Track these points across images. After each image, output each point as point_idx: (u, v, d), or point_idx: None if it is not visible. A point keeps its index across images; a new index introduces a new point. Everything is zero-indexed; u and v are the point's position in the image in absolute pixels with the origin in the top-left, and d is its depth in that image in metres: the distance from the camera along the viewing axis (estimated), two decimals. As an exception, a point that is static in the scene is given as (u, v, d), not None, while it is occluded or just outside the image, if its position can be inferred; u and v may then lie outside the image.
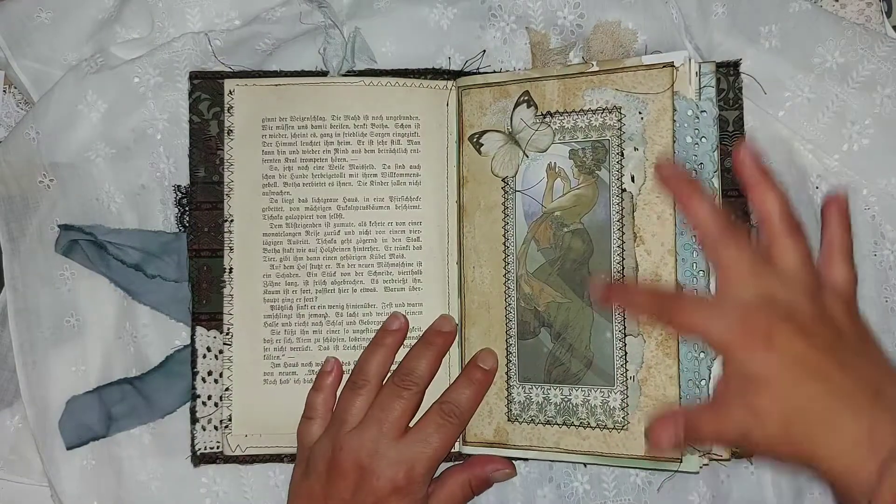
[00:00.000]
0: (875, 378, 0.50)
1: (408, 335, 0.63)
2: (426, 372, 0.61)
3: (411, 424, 0.60)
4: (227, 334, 0.63)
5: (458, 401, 0.61)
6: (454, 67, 0.66)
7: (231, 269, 0.64)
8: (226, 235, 0.64)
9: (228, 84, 0.64)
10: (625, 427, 0.59)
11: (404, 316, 0.63)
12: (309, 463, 0.60)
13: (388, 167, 0.64)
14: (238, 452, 0.63)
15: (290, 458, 0.63)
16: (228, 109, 0.64)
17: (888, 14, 0.66)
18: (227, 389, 0.63)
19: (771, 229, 0.52)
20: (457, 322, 0.64)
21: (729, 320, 0.50)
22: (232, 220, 0.64)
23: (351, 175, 0.64)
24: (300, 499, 0.60)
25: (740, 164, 0.53)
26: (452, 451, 0.62)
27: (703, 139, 0.58)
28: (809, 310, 0.51)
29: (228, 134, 0.64)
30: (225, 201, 0.64)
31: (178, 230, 0.65)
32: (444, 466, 0.62)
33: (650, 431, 0.52)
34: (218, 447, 0.64)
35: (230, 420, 0.63)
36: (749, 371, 0.50)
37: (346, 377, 0.63)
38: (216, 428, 0.63)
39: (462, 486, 0.61)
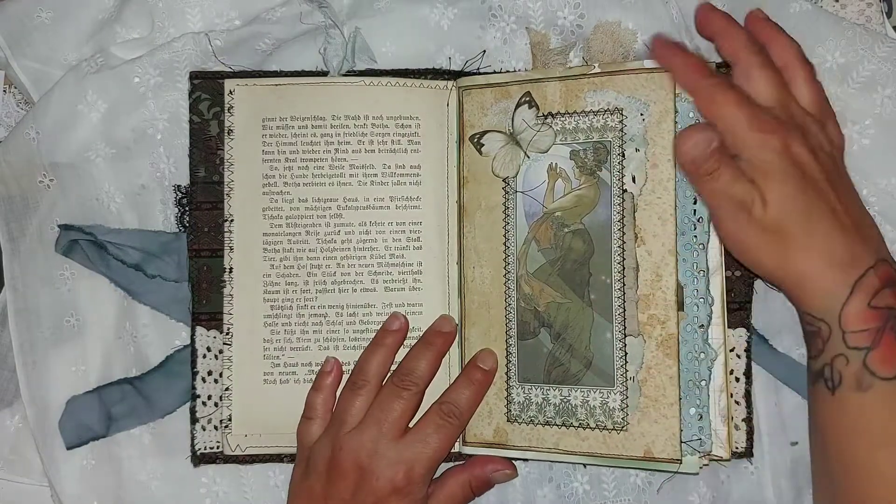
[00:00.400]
0: (859, 210, 0.57)
1: (408, 335, 0.63)
2: (426, 372, 0.61)
3: (411, 425, 0.60)
4: (227, 334, 0.63)
5: (457, 401, 0.61)
6: (454, 67, 0.66)
7: (231, 268, 0.64)
8: (226, 235, 0.64)
9: (229, 84, 0.64)
10: (624, 428, 0.59)
11: (404, 316, 0.63)
12: (309, 463, 0.60)
13: (389, 167, 0.64)
14: (238, 452, 0.63)
15: (290, 458, 0.63)
16: (229, 109, 0.64)
17: (888, 14, 0.66)
18: (227, 389, 0.63)
19: (745, 64, 0.57)
20: (457, 322, 0.64)
21: (755, 116, 0.55)
22: (232, 220, 0.64)
23: (351, 175, 0.64)
24: (300, 499, 0.60)
25: (704, 21, 0.60)
26: (452, 451, 0.62)
27: None
28: (816, 132, 0.57)
29: (229, 134, 0.64)
30: (225, 201, 0.64)
31: (178, 230, 0.65)
32: (444, 467, 0.62)
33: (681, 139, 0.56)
34: (218, 447, 0.64)
35: (230, 420, 0.63)
36: (761, 159, 0.54)
37: (346, 377, 0.63)
38: (216, 428, 0.63)
39: (462, 487, 0.62)
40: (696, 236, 0.58)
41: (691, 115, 0.58)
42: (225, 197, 0.64)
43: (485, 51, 0.66)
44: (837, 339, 0.54)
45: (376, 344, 0.63)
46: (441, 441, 0.59)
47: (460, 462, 0.63)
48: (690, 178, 0.57)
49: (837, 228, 0.54)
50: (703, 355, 0.58)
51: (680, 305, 0.58)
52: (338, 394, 0.62)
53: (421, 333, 0.63)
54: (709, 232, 0.59)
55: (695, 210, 0.59)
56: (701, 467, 0.59)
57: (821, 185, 0.55)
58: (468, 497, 0.62)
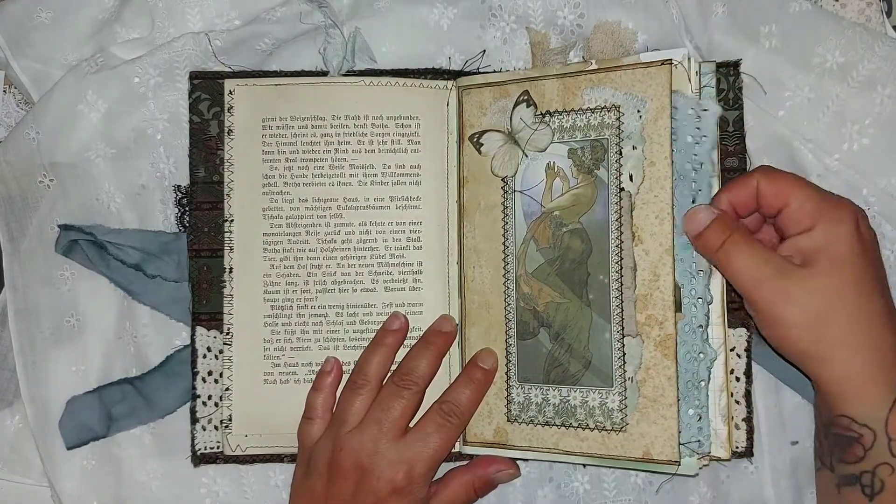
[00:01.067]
0: (892, 316, 0.54)
1: (408, 335, 0.63)
2: (426, 372, 0.61)
3: (412, 424, 0.60)
4: (227, 334, 0.63)
5: (457, 400, 0.61)
6: (454, 67, 0.66)
7: (231, 268, 0.64)
8: (226, 235, 0.64)
9: (229, 84, 0.64)
10: (623, 429, 0.59)
11: (404, 316, 0.63)
12: (310, 463, 0.60)
13: (389, 167, 0.64)
14: (238, 452, 0.63)
15: (291, 458, 0.63)
16: (229, 109, 0.64)
17: (888, 14, 0.66)
18: (227, 389, 0.63)
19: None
20: (457, 322, 0.64)
21: (823, 191, 0.55)
22: (232, 220, 0.64)
23: (351, 175, 0.64)
24: (301, 499, 0.60)
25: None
26: (453, 451, 0.62)
27: (704, 138, 0.58)
28: (866, 229, 0.55)
29: (228, 134, 0.64)
30: (225, 201, 0.64)
31: (178, 230, 0.65)
32: (446, 467, 0.62)
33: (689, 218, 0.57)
34: (218, 447, 0.64)
35: (230, 420, 0.63)
36: (831, 232, 0.53)
37: (346, 377, 0.63)
38: (216, 428, 0.63)
39: (465, 488, 0.62)
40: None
41: (690, 111, 0.58)
42: (225, 197, 0.64)
43: (485, 50, 0.66)
44: (883, 446, 0.52)
45: (376, 344, 0.63)
46: (441, 441, 0.59)
47: (462, 462, 0.63)
48: (708, 257, 0.57)
49: (888, 327, 0.53)
50: (702, 355, 0.58)
51: (678, 306, 0.58)
52: (338, 394, 0.62)
53: (421, 333, 0.63)
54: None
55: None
56: (700, 468, 0.59)
57: (879, 274, 0.54)
58: (471, 498, 0.62)
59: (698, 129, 0.58)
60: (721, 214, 0.56)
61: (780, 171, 0.56)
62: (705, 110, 0.58)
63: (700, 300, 0.58)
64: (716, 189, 0.58)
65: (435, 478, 0.61)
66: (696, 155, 0.58)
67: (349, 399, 0.61)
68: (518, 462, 0.64)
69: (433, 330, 0.63)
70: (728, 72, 0.63)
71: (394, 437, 0.59)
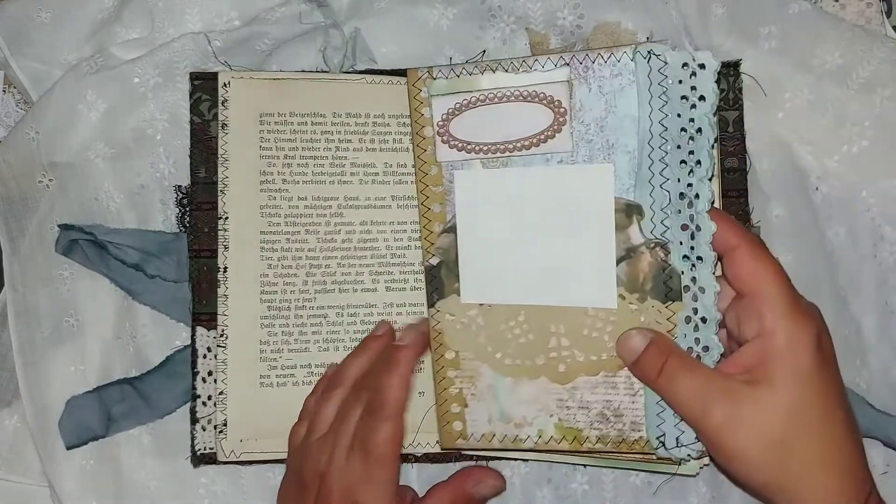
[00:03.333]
0: (855, 429, 0.50)
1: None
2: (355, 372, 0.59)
3: None
4: (222, 336, 0.63)
5: (382, 388, 0.56)
6: (454, 68, 0.66)
7: (226, 268, 0.63)
8: (220, 233, 0.63)
9: (223, 77, 0.64)
10: (624, 427, 0.58)
11: (391, 324, 0.62)
12: (288, 467, 0.60)
13: (391, 166, 0.64)
14: (232, 458, 0.62)
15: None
16: (223, 102, 0.63)
17: (888, 15, 0.66)
18: (220, 393, 0.63)
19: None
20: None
21: (795, 293, 0.50)
22: (227, 218, 0.63)
23: (352, 173, 0.64)
24: (281, 502, 0.60)
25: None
26: (453, 450, 0.62)
27: (701, 99, 0.55)
28: (827, 338, 0.51)
29: (223, 128, 0.63)
30: (219, 198, 0.63)
31: (178, 230, 0.65)
32: (446, 468, 0.62)
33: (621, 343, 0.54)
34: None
35: (224, 425, 0.62)
36: (793, 343, 0.48)
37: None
38: (216, 427, 0.63)
39: None
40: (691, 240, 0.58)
41: (684, 66, 0.53)
42: (219, 193, 0.63)
43: (484, 51, 0.66)
44: None
45: (358, 350, 0.61)
46: (384, 438, 0.54)
47: (465, 462, 0.63)
48: (648, 384, 0.53)
49: (856, 442, 0.49)
50: (705, 350, 0.57)
51: (676, 295, 0.55)
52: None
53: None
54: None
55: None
56: (700, 468, 0.59)
57: (840, 385, 0.50)
58: None
59: (694, 87, 0.53)
60: (656, 338, 0.52)
61: (766, 250, 0.51)
62: (702, 66, 0.54)
63: (702, 290, 0.54)
64: (712, 163, 0.53)
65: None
66: (692, 120, 0.53)
67: (322, 405, 0.59)
68: (517, 462, 0.64)
69: (370, 336, 0.62)
70: (728, 72, 0.63)
71: (346, 449, 0.55)
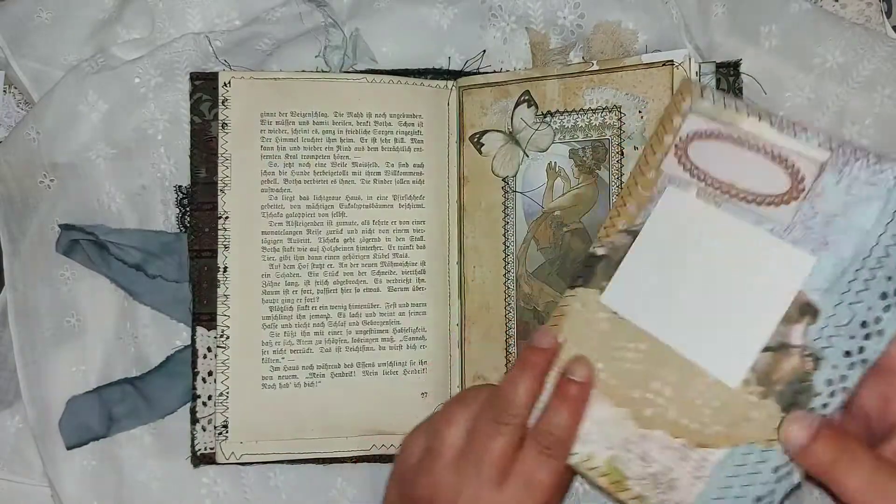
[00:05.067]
0: None
1: (412, 337, 0.64)
2: (525, 400, 0.52)
3: None
4: (223, 336, 0.63)
5: (554, 427, 0.51)
6: (454, 67, 0.66)
7: (226, 268, 0.63)
8: (220, 233, 0.63)
9: (223, 76, 0.64)
10: (626, 426, 0.58)
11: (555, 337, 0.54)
12: (397, 487, 0.54)
13: (392, 165, 0.64)
14: (233, 460, 0.62)
15: (290, 462, 0.64)
16: (223, 102, 0.63)
17: (888, 14, 0.66)
18: (221, 395, 0.62)
19: None
20: (458, 322, 0.64)
21: None
22: (227, 218, 0.63)
23: (354, 173, 0.64)
24: None
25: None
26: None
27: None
28: None
29: (223, 128, 0.63)
30: (219, 197, 0.63)
31: (178, 230, 0.65)
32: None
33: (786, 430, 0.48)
34: (218, 448, 0.64)
35: (225, 427, 0.62)
36: None
37: (348, 378, 0.62)
38: (216, 429, 0.63)
39: None
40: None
41: None
42: (219, 193, 0.63)
43: (485, 51, 0.66)
44: None
45: (522, 368, 0.53)
46: (548, 478, 0.50)
47: None
48: (814, 471, 0.47)
49: None
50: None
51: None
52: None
53: (424, 335, 0.63)
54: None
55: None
56: None
57: None
58: None
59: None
60: (827, 421, 0.47)
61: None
62: None
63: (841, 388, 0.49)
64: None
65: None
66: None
67: (451, 424, 0.52)
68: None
69: (531, 347, 0.53)
70: (728, 72, 0.63)
71: (495, 483, 0.50)
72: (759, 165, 0.52)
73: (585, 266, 0.55)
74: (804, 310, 0.49)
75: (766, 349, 0.49)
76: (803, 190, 0.50)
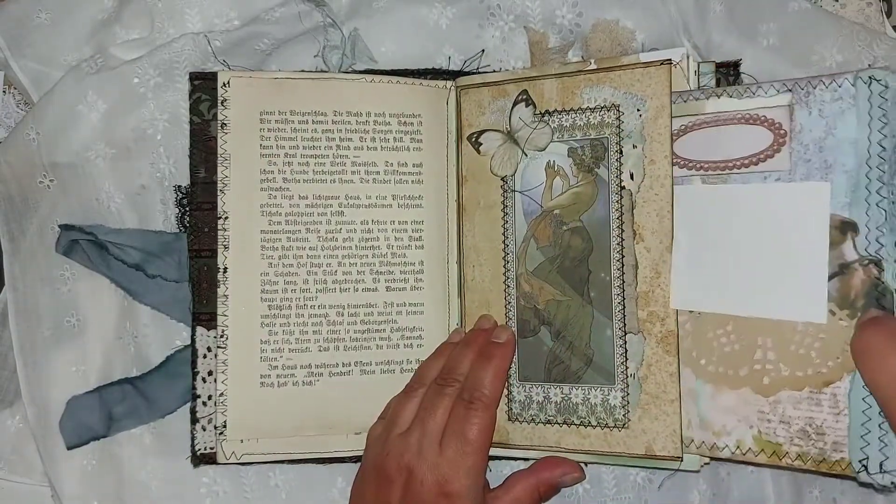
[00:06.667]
0: None
1: (409, 336, 0.64)
2: (468, 369, 0.60)
3: None
4: (222, 336, 0.62)
5: (479, 381, 0.59)
6: (453, 67, 0.66)
7: (226, 268, 0.63)
8: (220, 233, 0.63)
9: (222, 76, 0.64)
10: (626, 425, 0.59)
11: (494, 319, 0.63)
12: (363, 465, 0.60)
13: (391, 165, 0.64)
14: (233, 460, 0.62)
15: (291, 461, 0.63)
16: (223, 102, 0.63)
17: (888, 14, 0.66)
18: (221, 394, 0.62)
19: None
20: (457, 322, 0.64)
21: None
22: (227, 217, 0.63)
23: (353, 172, 0.64)
24: (355, 501, 0.60)
25: None
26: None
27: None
28: None
29: (223, 127, 0.63)
30: (219, 197, 0.63)
31: (178, 230, 0.65)
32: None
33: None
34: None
35: (224, 426, 0.62)
36: None
37: (346, 377, 0.63)
38: (216, 428, 0.63)
39: (530, 493, 0.60)
40: None
41: (871, 111, 0.54)
42: (219, 193, 0.63)
43: (483, 50, 0.66)
44: None
45: (438, 351, 0.63)
46: (478, 430, 0.57)
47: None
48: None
49: None
50: None
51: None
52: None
53: (421, 334, 0.63)
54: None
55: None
56: (702, 465, 0.59)
57: None
58: (535, 502, 0.60)
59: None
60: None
61: None
62: None
63: None
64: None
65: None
66: None
67: (402, 402, 0.60)
68: (519, 462, 0.64)
69: (477, 330, 0.63)
70: (728, 72, 0.63)
71: (437, 439, 0.57)
72: (739, 133, 0.57)
73: None
74: (843, 228, 0.54)
75: (832, 276, 0.54)
76: (785, 134, 0.55)
